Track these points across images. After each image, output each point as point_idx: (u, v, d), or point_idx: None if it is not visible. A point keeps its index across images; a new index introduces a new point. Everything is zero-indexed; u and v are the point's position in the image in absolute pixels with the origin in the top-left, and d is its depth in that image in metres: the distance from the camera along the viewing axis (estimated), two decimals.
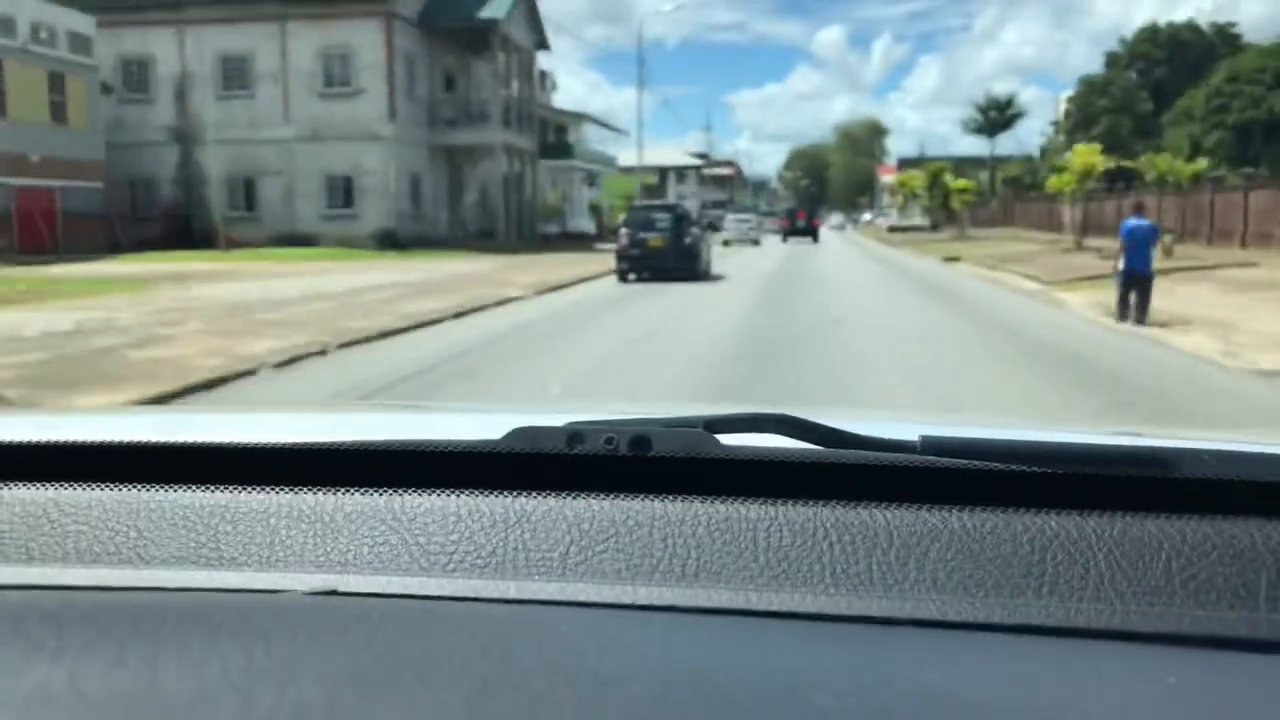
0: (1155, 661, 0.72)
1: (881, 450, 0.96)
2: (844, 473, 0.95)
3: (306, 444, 1.04)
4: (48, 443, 1.07)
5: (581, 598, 0.84)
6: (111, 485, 1.01)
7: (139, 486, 1.01)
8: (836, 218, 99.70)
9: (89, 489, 1.01)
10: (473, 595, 0.85)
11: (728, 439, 0.98)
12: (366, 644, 0.67)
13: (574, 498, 0.96)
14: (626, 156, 62.57)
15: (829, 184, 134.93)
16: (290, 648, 0.66)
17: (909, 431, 0.99)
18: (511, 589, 0.86)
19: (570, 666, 0.65)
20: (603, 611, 0.82)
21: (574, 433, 0.98)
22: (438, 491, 0.98)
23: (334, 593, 0.85)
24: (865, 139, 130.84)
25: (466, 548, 0.92)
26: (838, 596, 0.84)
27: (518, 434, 1.00)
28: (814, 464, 0.96)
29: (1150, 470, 0.93)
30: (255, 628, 0.70)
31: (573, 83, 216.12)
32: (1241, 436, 1.23)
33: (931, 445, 0.95)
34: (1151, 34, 65.82)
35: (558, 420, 1.04)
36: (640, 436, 0.96)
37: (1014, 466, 0.93)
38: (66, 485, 1.01)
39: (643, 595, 0.84)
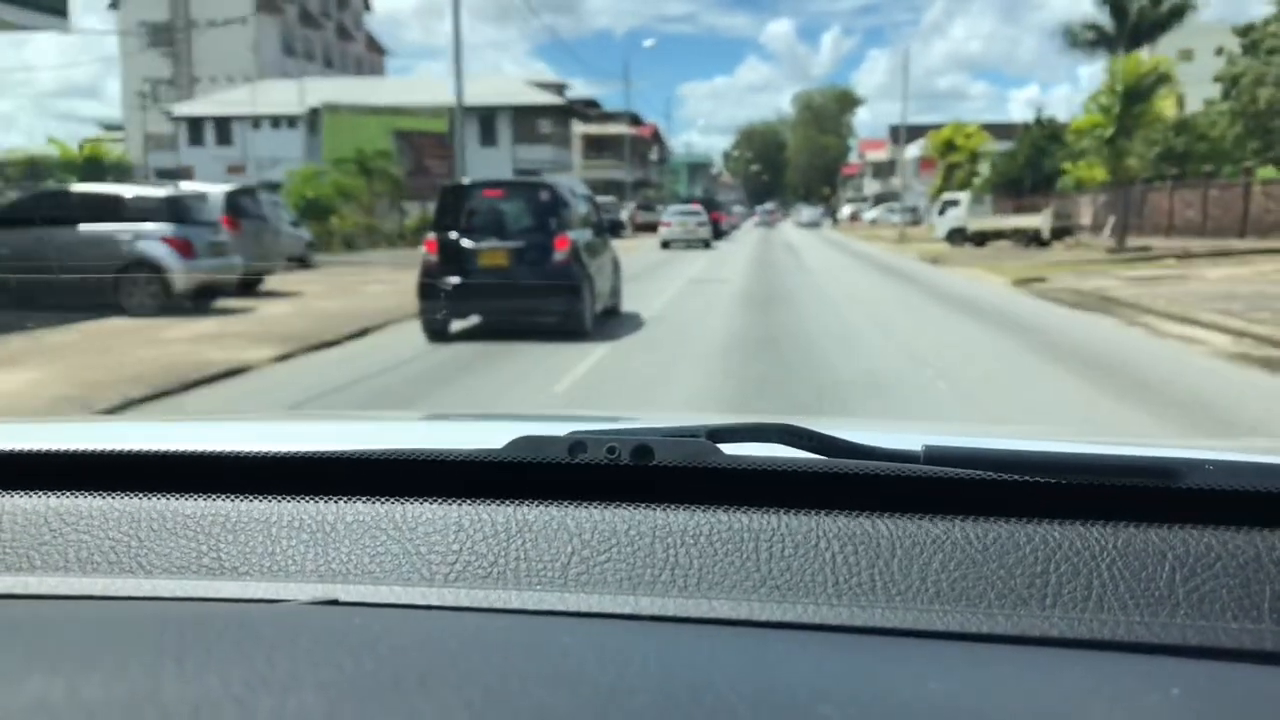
0: (1159, 672, 0.72)
1: (885, 460, 0.96)
2: (847, 483, 0.95)
3: (308, 453, 1.04)
4: (49, 451, 1.07)
5: (583, 608, 0.84)
6: (112, 494, 1.01)
7: (140, 495, 1.01)
8: (808, 211, 73.55)
9: (90, 498, 1.01)
10: (474, 605, 0.85)
11: (731, 448, 0.98)
12: (367, 654, 0.67)
13: (576, 507, 0.96)
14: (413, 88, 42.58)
15: (785, 168, 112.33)
16: (291, 657, 0.65)
17: (912, 442, 0.99)
18: (513, 599, 0.86)
19: (572, 677, 0.65)
20: (605, 622, 0.82)
21: (576, 442, 0.98)
22: (439, 501, 0.98)
23: (335, 602, 0.85)
24: (831, 112, 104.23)
25: (468, 557, 0.92)
26: (840, 607, 0.84)
27: (520, 443, 1.00)
28: (817, 474, 0.95)
29: (1154, 480, 0.93)
30: (256, 637, 0.70)
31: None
32: (1246, 446, 1.22)
33: (935, 455, 0.95)
34: None
35: (560, 429, 1.03)
36: (643, 446, 0.96)
37: (1017, 477, 0.93)
38: (68, 494, 1.01)
39: (645, 605, 0.84)
